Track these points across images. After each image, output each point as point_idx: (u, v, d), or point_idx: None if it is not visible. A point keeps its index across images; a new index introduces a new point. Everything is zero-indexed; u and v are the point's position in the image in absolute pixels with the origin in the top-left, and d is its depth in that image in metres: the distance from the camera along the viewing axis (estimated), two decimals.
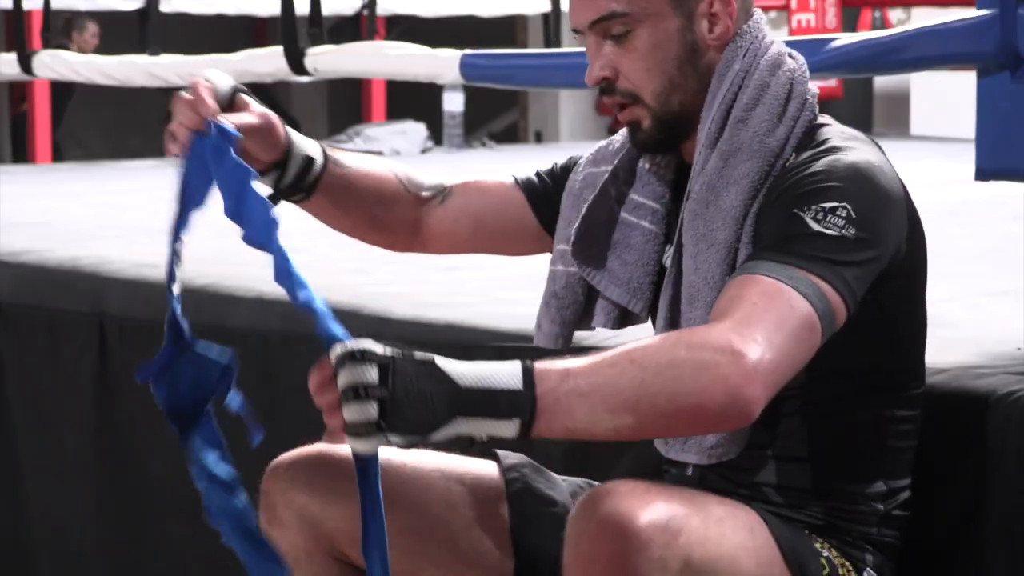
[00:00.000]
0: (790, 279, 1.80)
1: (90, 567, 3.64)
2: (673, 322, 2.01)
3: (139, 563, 3.53)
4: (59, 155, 9.87)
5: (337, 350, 1.69)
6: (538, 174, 2.24)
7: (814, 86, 2.04)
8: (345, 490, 1.98)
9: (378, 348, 1.69)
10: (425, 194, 2.23)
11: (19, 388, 3.76)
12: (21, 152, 9.88)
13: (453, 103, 9.18)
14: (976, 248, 4.20)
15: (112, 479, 3.57)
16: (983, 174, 2.47)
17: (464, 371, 1.70)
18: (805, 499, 2.00)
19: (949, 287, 3.38)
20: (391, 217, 2.21)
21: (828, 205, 1.86)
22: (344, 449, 2.09)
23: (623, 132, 2.13)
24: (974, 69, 2.47)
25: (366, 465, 1.81)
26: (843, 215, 1.85)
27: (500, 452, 2.19)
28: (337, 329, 1.74)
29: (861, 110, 10.64)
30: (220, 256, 3.85)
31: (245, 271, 3.47)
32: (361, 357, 1.68)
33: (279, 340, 3.14)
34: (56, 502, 3.71)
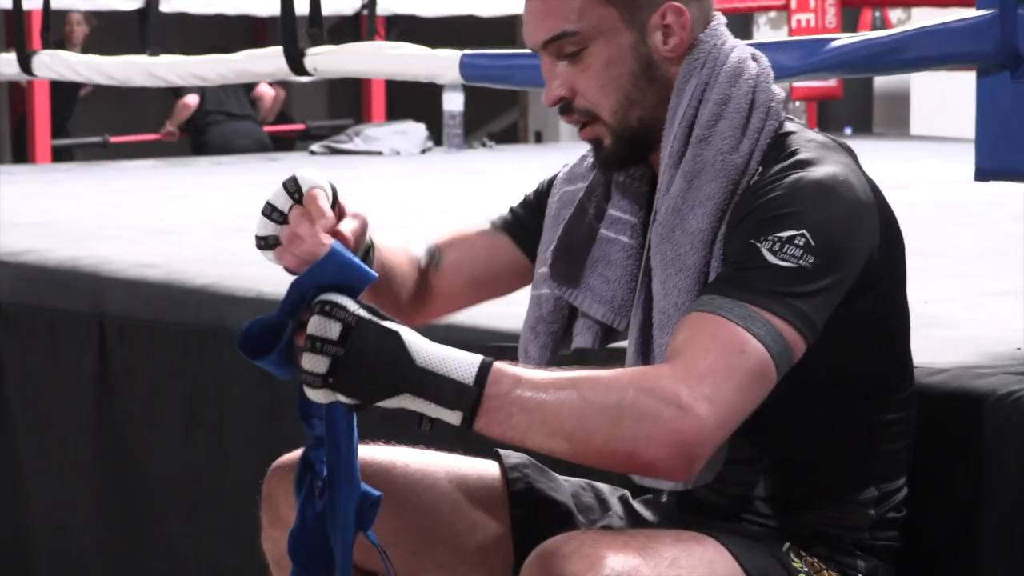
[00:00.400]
0: (744, 319, 1.79)
1: (90, 567, 3.64)
2: (645, 348, 1.98)
3: (139, 563, 3.53)
4: (69, 153, 9.85)
5: (319, 295, 1.74)
6: (513, 211, 2.20)
7: (779, 90, 2.00)
8: None
9: (351, 306, 1.73)
10: (423, 263, 2.19)
11: (19, 388, 3.76)
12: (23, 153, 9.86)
13: (453, 103, 9.16)
14: (976, 248, 4.20)
15: (112, 479, 3.57)
16: (983, 174, 2.47)
17: (424, 351, 1.74)
18: (795, 509, 1.98)
19: (949, 287, 3.38)
20: (407, 294, 2.16)
21: (786, 234, 1.83)
22: None
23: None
24: (974, 69, 2.47)
25: (332, 414, 1.84)
26: (801, 243, 1.82)
27: (502, 452, 2.18)
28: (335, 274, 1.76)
29: (861, 110, 10.64)
30: (220, 256, 3.86)
31: (245, 271, 3.47)
32: (330, 311, 1.73)
33: None
34: (56, 502, 3.71)
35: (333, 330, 1.72)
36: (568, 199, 2.11)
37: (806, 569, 1.94)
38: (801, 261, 1.82)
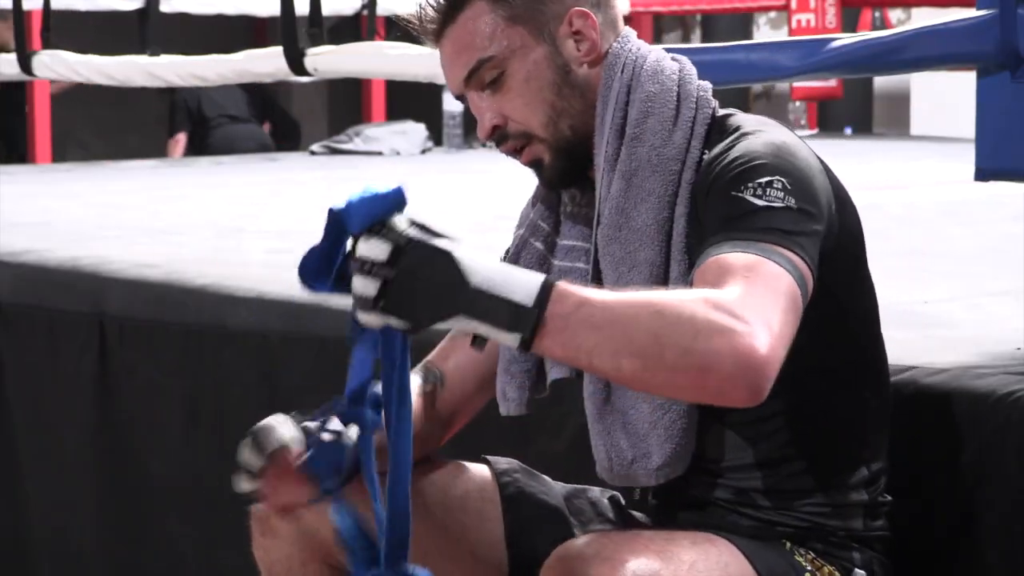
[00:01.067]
0: (763, 252, 1.78)
1: (90, 567, 3.64)
2: None
3: (139, 563, 3.53)
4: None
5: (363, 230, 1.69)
6: None
7: (705, 83, 2.02)
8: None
9: (401, 225, 1.68)
10: (424, 389, 2.14)
11: (19, 388, 3.76)
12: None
13: (453, 103, 9.15)
14: (976, 248, 4.20)
15: (112, 479, 3.57)
16: (983, 174, 2.48)
17: (480, 270, 1.68)
18: (792, 500, 1.99)
19: (949, 287, 3.38)
20: (424, 430, 2.11)
21: (763, 180, 1.85)
22: None
23: (535, 189, 2.11)
24: (974, 69, 2.47)
25: (389, 342, 1.79)
26: (780, 187, 1.84)
27: (491, 458, 2.19)
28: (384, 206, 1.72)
29: (861, 110, 10.63)
30: (220, 256, 3.86)
31: (245, 271, 3.47)
32: (379, 231, 1.68)
33: (279, 340, 3.14)
34: (56, 502, 3.71)
35: (382, 251, 1.67)
36: (516, 240, 2.12)
37: (809, 567, 1.95)
38: (786, 202, 1.84)
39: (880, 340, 2.06)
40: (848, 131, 10.08)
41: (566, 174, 2.03)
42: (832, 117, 10.31)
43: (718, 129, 1.98)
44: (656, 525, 2.07)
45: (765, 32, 11.65)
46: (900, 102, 11.08)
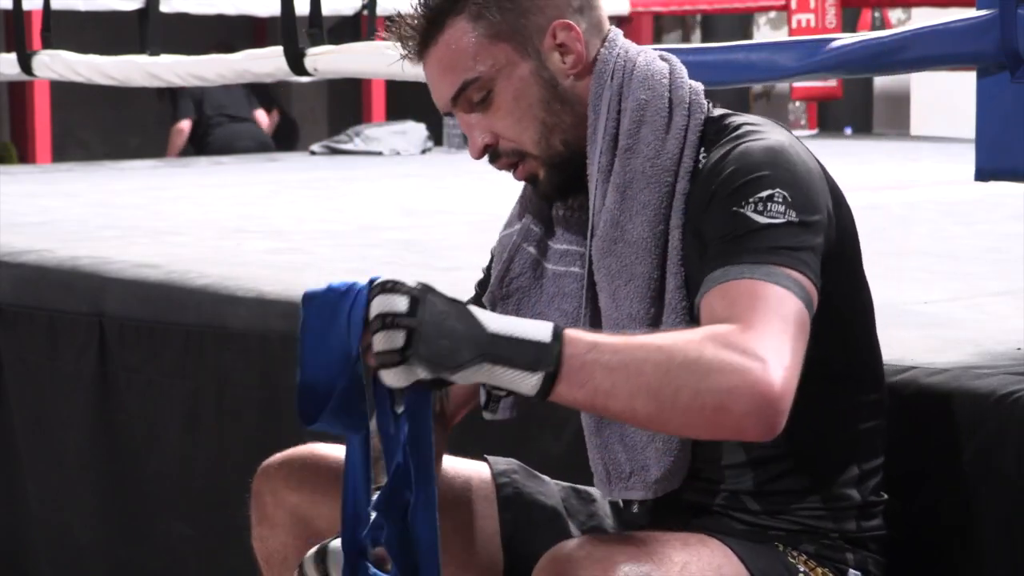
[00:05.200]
0: (768, 276, 1.78)
1: (90, 566, 3.64)
2: None
3: (139, 563, 3.53)
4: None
5: (374, 286, 1.68)
6: (477, 289, 2.16)
7: (697, 84, 2.00)
8: (335, 489, 1.97)
9: (410, 282, 1.68)
10: (436, 410, 2.14)
11: (19, 388, 3.76)
12: None
13: None
14: (976, 248, 4.20)
15: (112, 479, 3.57)
16: (983, 174, 2.48)
17: (494, 318, 1.68)
18: (783, 502, 1.98)
19: (949, 287, 3.38)
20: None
21: (763, 194, 1.84)
22: (334, 448, 2.09)
23: (523, 189, 2.09)
24: (974, 69, 2.47)
25: (414, 408, 1.73)
26: (780, 200, 1.83)
27: (491, 458, 2.18)
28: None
29: (861, 110, 10.64)
30: (220, 256, 3.86)
31: (245, 271, 3.47)
32: (392, 288, 1.67)
33: (279, 340, 3.14)
34: (56, 502, 3.71)
35: (400, 304, 1.65)
36: (506, 243, 2.10)
37: (803, 569, 1.94)
38: (787, 217, 1.83)
39: (874, 338, 2.05)
40: (848, 131, 10.09)
41: (562, 187, 2.01)
42: (832, 117, 10.32)
43: (713, 132, 1.95)
44: (653, 527, 2.07)
45: (765, 32, 11.65)
46: (900, 102, 11.08)
